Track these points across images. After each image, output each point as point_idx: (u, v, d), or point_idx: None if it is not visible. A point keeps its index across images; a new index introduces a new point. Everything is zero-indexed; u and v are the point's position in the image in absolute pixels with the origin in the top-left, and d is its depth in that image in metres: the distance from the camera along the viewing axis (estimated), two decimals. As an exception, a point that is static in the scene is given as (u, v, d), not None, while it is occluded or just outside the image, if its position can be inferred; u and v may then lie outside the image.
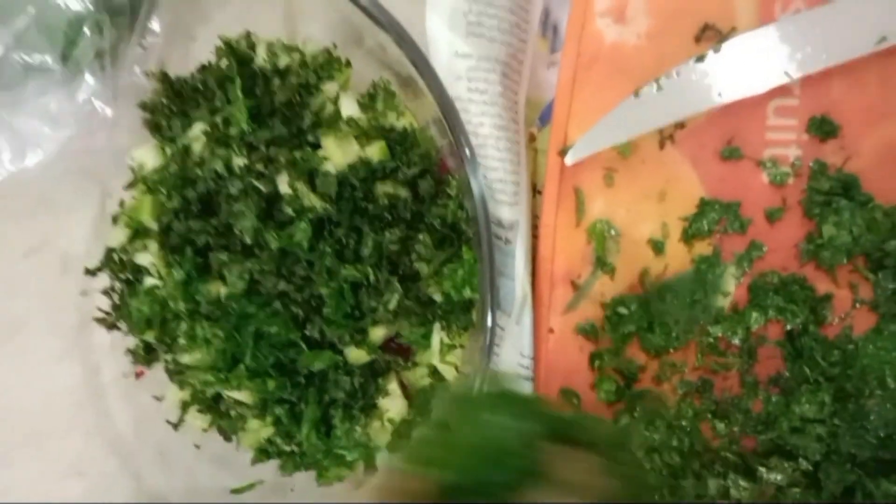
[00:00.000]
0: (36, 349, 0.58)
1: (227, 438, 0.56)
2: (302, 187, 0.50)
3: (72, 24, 0.54)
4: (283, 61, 0.53)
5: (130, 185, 0.55)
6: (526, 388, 0.50)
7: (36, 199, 0.58)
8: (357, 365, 0.51)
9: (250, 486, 0.56)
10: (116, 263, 0.57)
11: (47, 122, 0.56)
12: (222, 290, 0.51)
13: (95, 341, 0.60)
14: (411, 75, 0.49)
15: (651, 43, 0.49)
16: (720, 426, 0.48)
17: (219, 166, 0.51)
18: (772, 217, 0.48)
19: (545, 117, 0.52)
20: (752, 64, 0.46)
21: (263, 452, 0.54)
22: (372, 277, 0.49)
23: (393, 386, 0.52)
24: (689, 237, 0.49)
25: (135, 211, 0.54)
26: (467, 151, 0.47)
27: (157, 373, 0.57)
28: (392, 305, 0.49)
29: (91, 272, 0.57)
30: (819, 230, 0.47)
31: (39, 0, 0.52)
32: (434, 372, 0.51)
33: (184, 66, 0.56)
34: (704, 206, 0.48)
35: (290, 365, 0.51)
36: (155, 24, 0.56)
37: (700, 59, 0.47)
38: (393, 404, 0.52)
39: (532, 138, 0.52)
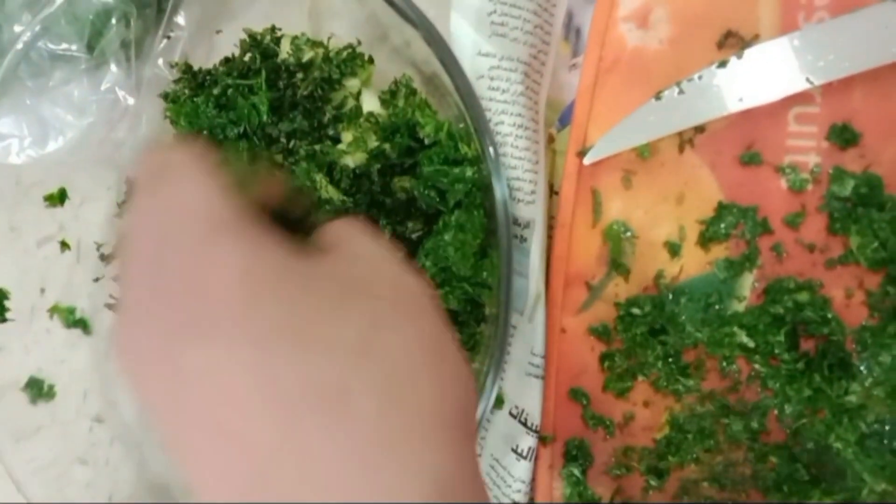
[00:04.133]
0: (49, 336, 0.59)
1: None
2: (320, 179, 0.50)
3: (99, 14, 0.55)
4: (307, 56, 0.54)
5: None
6: (537, 386, 0.50)
7: (54, 186, 0.58)
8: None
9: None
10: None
11: (70, 109, 0.57)
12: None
13: (106, 329, 0.60)
14: (434, 74, 0.49)
15: (673, 48, 0.49)
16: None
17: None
18: (790, 223, 0.48)
19: (564, 119, 0.52)
20: (774, 71, 0.46)
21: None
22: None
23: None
24: (705, 241, 0.49)
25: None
26: (491, 151, 0.47)
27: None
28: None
29: (106, 259, 0.58)
30: (840, 236, 0.47)
31: (68, -11, 0.52)
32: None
33: (208, 59, 0.56)
34: (722, 209, 0.48)
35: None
36: (181, 19, 0.57)
37: (722, 64, 0.47)
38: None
39: (550, 139, 0.53)
